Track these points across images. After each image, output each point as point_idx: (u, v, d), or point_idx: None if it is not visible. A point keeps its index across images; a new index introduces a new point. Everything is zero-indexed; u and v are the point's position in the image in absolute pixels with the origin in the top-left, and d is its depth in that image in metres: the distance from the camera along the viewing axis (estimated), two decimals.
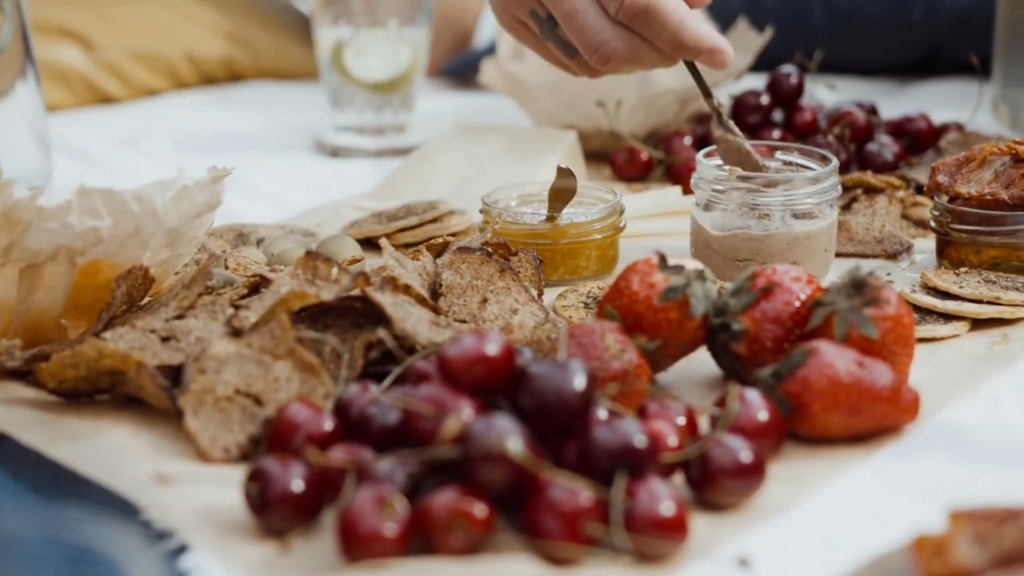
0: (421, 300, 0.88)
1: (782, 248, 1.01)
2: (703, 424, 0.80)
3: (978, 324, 0.97)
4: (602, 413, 0.73)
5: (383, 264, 0.91)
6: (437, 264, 0.94)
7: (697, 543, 0.69)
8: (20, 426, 0.81)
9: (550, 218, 1.05)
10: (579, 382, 0.71)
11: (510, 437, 0.67)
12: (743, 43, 1.41)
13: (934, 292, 0.99)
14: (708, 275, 0.85)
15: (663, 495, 0.68)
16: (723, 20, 1.56)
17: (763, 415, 0.76)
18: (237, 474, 0.74)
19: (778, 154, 1.07)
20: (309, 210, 1.25)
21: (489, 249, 0.94)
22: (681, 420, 0.76)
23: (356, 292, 0.86)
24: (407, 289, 0.89)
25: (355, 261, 0.99)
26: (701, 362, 0.88)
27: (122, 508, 0.73)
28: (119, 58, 1.63)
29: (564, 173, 1.04)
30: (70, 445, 0.79)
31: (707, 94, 1.05)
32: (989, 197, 1.02)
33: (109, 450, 0.78)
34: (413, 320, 0.84)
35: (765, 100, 1.35)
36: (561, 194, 1.05)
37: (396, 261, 0.91)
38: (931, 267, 1.07)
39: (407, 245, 1.11)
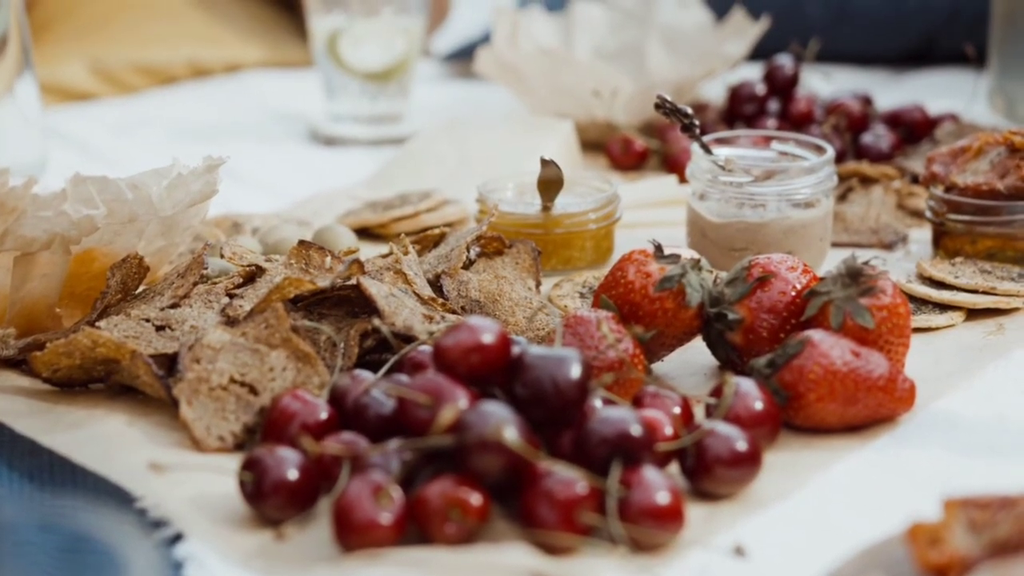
0: (429, 300, 0.88)
1: (778, 237, 1.01)
2: (699, 413, 0.80)
3: (973, 314, 0.97)
4: (598, 402, 0.73)
5: (392, 256, 0.91)
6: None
7: (693, 532, 0.69)
8: (15, 415, 0.81)
9: (545, 208, 1.05)
10: (575, 371, 0.71)
11: (506, 426, 0.67)
12: (739, 32, 1.41)
13: (929, 282, 0.99)
14: (704, 264, 0.85)
15: (659, 484, 0.68)
16: (720, 9, 1.56)
17: (759, 405, 0.76)
18: (232, 463, 0.74)
19: (774, 144, 1.07)
20: (304, 199, 1.25)
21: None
22: (677, 409, 0.76)
23: (352, 281, 0.86)
24: (406, 279, 0.89)
25: (351, 252, 0.99)
26: (697, 352, 0.88)
27: (117, 497, 0.73)
28: (123, 72, 1.63)
29: (547, 164, 1.04)
30: (65, 434, 0.79)
31: (685, 127, 1.01)
32: (985, 187, 1.02)
33: (104, 439, 0.78)
34: (406, 313, 0.84)
35: (761, 90, 1.35)
36: (549, 185, 1.05)
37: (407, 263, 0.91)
38: (926, 257, 1.07)
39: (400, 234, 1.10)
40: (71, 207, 0.85)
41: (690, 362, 0.89)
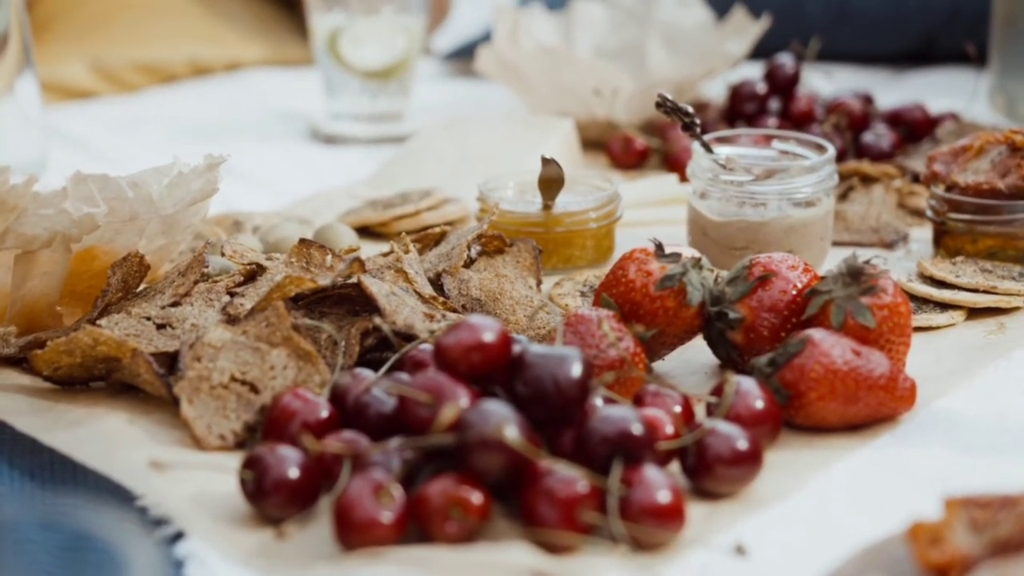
0: (430, 299, 0.88)
1: (778, 236, 1.01)
2: (699, 412, 0.80)
3: (974, 313, 0.97)
4: (598, 401, 0.73)
5: (393, 254, 0.91)
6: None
7: (693, 531, 0.69)
8: (16, 413, 0.81)
9: (545, 207, 1.05)
10: (576, 370, 0.71)
11: (507, 424, 0.67)
12: (740, 31, 1.41)
13: (930, 281, 0.99)
14: (705, 263, 0.85)
15: (660, 483, 0.68)
16: (720, 8, 1.56)
17: (759, 403, 0.76)
18: (233, 462, 0.74)
19: (775, 142, 1.07)
20: (305, 198, 1.25)
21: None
22: (677, 408, 0.76)
23: (353, 279, 0.86)
24: (407, 278, 0.89)
25: (352, 251, 0.99)
26: (698, 350, 0.88)
27: (118, 495, 0.73)
28: (124, 71, 1.63)
29: (548, 162, 1.04)
30: (66, 432, 0.79)
31: (686, 126, 1.01)
32: (986, 186, 1.02)
33: (104, 437, 0.78)
34: (407, 312, 0.84)
35: (761, 89, 1.35)
36: (550, 183, 1.05)
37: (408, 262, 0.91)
38: (927, 256, 1.07)
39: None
40: (72, 205, 0.85)
41: (691, 361, 0.89)
